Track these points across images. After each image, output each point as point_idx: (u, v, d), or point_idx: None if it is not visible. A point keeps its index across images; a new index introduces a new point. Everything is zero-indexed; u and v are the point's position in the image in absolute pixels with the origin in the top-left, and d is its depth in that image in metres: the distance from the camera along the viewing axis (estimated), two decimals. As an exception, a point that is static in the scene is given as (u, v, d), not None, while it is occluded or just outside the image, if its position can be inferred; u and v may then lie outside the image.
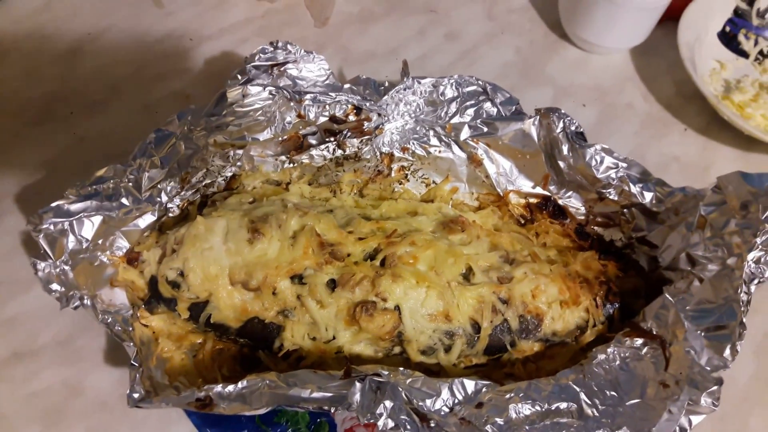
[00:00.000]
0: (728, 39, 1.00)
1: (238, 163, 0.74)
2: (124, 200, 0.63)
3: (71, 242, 0.61)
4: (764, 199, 0.61)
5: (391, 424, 0.52)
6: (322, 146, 0.75)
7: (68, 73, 0.92)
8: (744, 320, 0.58)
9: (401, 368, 0.60)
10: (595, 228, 0.77)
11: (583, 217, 0.77)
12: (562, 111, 0.73)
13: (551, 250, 0.75)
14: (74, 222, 0.61)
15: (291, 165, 0.76)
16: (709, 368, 0.58)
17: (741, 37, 0.99)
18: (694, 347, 0.59)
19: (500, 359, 0.68)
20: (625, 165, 0.72)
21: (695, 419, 0.57)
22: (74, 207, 0.61)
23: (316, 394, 0.54)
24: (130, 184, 0.64)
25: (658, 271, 0.71)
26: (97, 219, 0.62)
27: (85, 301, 0.59)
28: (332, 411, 0.53)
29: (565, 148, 0.73)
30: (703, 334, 0.59)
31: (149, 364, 0.61)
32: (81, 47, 0.94)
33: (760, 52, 0.99)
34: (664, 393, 0.59)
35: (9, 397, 0.66)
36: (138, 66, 0.93)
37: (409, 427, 0.52)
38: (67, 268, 0.61)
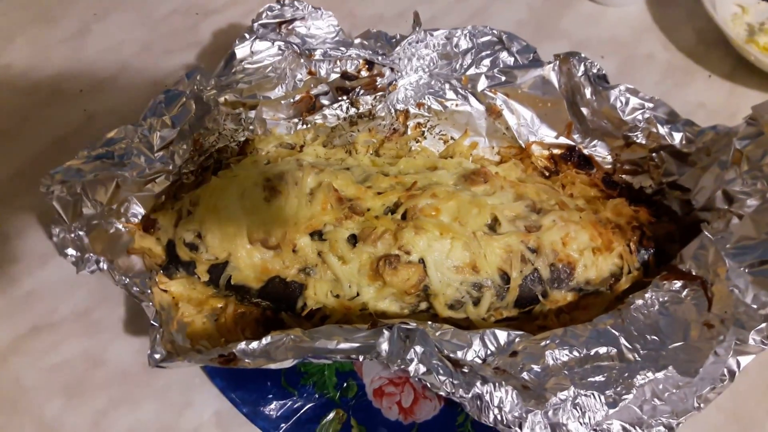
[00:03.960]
0: (750, -18, 0.96)
1: (251, 127, 0.72)
2: (136, 160, 0.61)
3: (85, 207, 0.60)
4: (804, 125, 0.58)
5: (422, 369, 0.49)
6: (335, 105, 0.73)
7: (76, 53, 0.91)
8: (791, 252, 0.55)
9: (429, 322, 0.58)
10: (623, 176, 0.74)
11: (610, 166, 0.74)
12: (582, 55, 0.71)
13: (579, 200, 0.72)
14: (86, 185, 0.59)
15: (304, 126, 0.74)
16: (755, 306, 0.54)
17: (763, -21, 0.96)
18: (738, 285, 0.56)
19: (532, 312, 0.65)
20: (651, 105, 0.69)
21: (744, 360, 0.54)
22: (86, 167, 0.59)
23: (343, 345, 0.51)
24: (142, 144, 0.63)
25: (692, 213, 0.68)
26: (111, 182, 0.61)
27: (102, 265, 0.58)
28: (360, 359, 0.50)
29: (587, 92, 0.70)
30: (746, 270, 0.56)
31: (170, 328, 0.60)
32: (88, 27, 0.94)
33: (784, -6, 0.95)
34: (708, 334, 0.56)
35: (30, 370, 0.65)
36: (146, 42, 0.92)
37: (442, 371, 0.50)
38: (82, 233, 0.59)
